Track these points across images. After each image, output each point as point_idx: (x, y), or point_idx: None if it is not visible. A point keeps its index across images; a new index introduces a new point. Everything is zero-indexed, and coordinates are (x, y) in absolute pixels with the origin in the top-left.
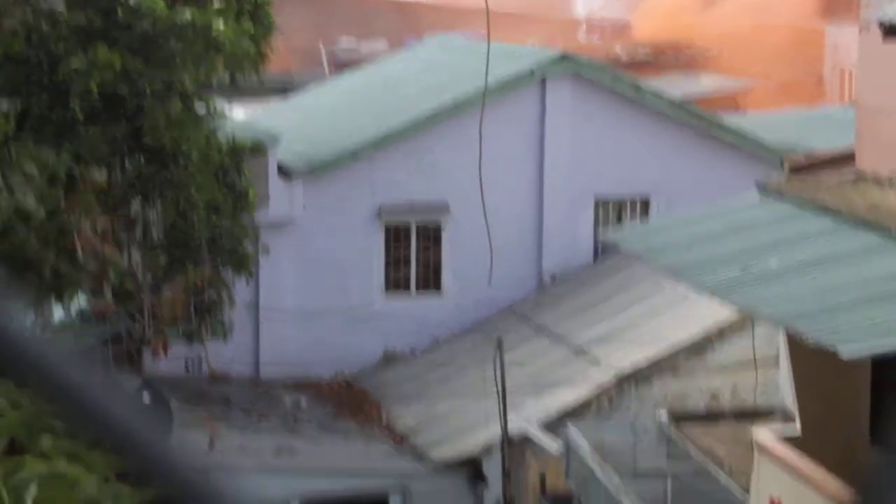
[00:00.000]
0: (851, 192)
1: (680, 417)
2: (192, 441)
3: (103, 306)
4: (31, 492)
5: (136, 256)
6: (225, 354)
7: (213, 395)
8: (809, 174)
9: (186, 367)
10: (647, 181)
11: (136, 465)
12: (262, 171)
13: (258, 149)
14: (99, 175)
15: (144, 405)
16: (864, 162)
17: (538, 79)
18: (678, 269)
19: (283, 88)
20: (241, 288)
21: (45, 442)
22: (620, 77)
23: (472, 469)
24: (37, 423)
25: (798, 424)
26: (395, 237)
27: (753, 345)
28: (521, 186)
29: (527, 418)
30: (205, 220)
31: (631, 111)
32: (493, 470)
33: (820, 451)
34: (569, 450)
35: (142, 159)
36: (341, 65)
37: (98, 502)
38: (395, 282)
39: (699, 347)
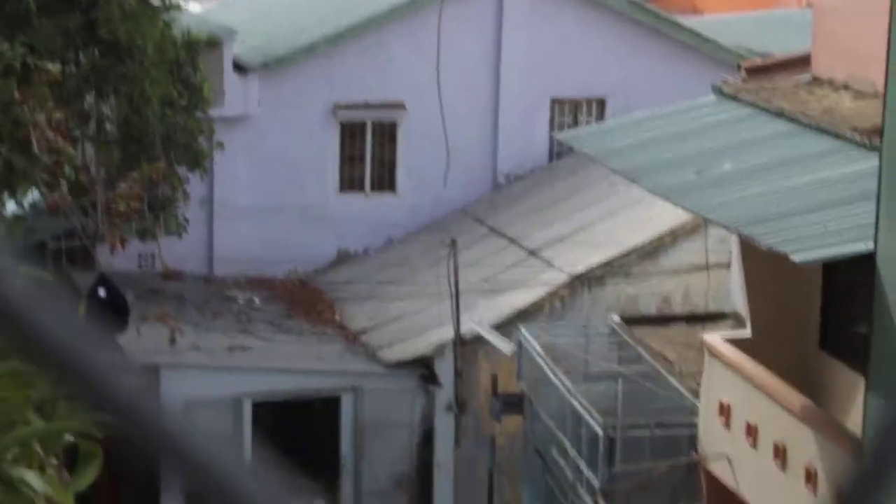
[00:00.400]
0: (807, 96)
1: (632, 320)
2: (152, 335)
3: (57, 200)
4: None
5: (90, 151)
6: (178, 251)
7: (166, 291)
8: (765, 77)
9: (140, 263)
10: (603, 82)
11: (84, 395)
12: (217, 66)
13: (214, 43)
14: (53, 68)
15: (100, 307)
16: (820, 65)
17: None
18: (633, 172)
19: None
20: (195, 184)
21: None
22: None
23: (424, 369)
24: None
25: (749, 329)
26: (351, 135)
27: (706, 248)
28: (477, 86)
29: (479, 319)
30: (159, 115)
31: (589, 11)
32: (445, 370)
33: (770, 355)
34: (521, 351)
35: (96, 52)
36: None
37: (52, 401)
38: (350, 181)
39: (652, 250)
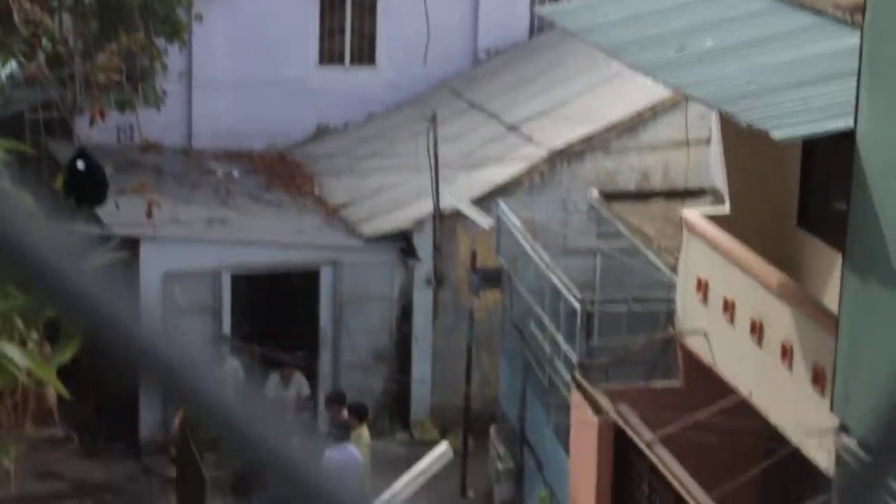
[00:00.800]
0: None
1: (611, 195)
2: (130, 208)
3: (35, 72)
4: None
5: (68, 22)
6: (157, 124)
7: (145, 164)
8: None
9: (118, 136)
10: None
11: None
12: None
13: None
14: None
15: (84, 175)
16: None
17: None
18: (613, 47)
19: None
20: (174, 57)
21: None
22: None
23: (403, 243)
24: None
25: (727, 205)
26: (330, 7)
27: (686, 124)
28: None
29: (458, 194)
30: None
31: None
32: (424, 244)
33: (748, 231)
34: (499, 226)
35: None
36: None
37: None
38: (330, 54)
39: (632, 126)
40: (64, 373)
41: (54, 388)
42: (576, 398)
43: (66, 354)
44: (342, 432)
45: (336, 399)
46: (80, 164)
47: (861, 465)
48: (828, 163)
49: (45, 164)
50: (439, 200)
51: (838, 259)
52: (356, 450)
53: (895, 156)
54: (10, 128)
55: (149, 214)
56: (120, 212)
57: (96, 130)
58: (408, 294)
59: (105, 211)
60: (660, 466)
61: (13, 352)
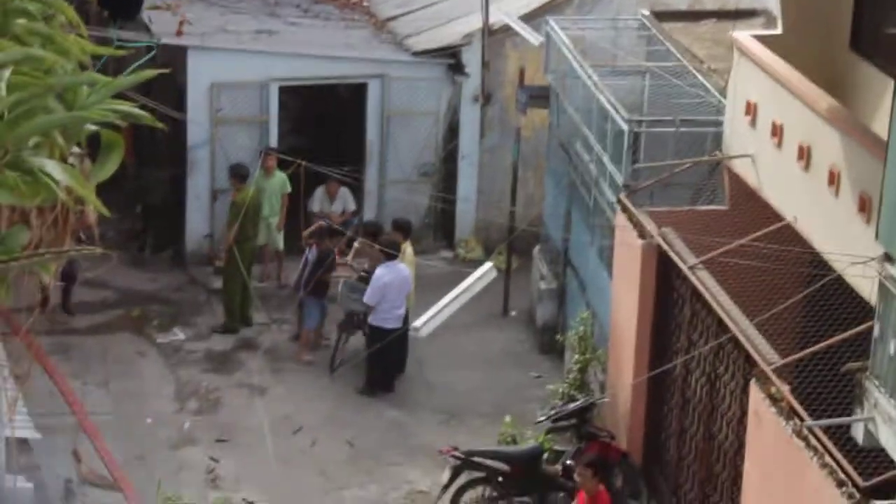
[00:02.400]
0: None
1: (662, 15)
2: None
3: None
4: (5, 76)
5: None
6: None
7: None
8: None
9: None
10: None
11: None
12: None
13: None
14: None
15: None
16: None
17: None
18: None
19: None
20: None
21: (20, 25)
22: None
23: (451, 59)
24: (9, 5)
25: (780, 27)
26: None
27: None
28: None
29: (508, 10)
30: None
31: None
32: (472, 61)
33: (800, 54)
34: (548, 43)
35: None
36: None
37: (73, 89)
38: None
39: None
40: (107, 187)
41: (94, 206)
42: (620, 220)
43: (108, 170)
44: (393, 250)
45: (372, 231)
46: None
47: None
48: None
49: None
50: (489, 16)
51: (890, 84)
52: (405, 267)
53: None
54: None
55: (179, 32)
56: (154, 24)
57: None
58: (455, 111)
59: (142, 22)
60: (702, 290)
61: (52, 167)
